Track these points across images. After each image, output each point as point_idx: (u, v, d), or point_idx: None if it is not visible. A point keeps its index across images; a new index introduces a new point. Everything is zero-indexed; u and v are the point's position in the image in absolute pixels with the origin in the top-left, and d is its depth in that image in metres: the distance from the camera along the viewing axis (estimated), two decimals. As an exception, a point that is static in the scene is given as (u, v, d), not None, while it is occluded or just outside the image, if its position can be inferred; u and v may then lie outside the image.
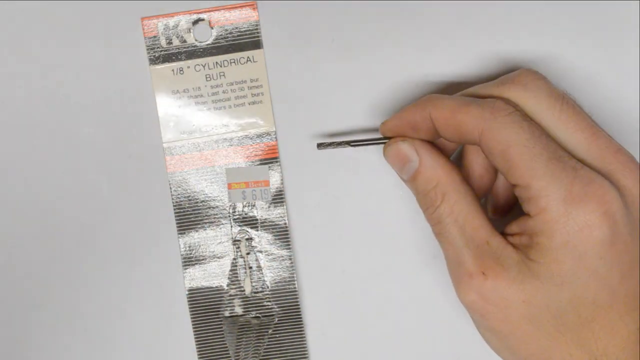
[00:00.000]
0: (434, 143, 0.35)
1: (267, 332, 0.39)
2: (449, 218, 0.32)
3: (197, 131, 0.39)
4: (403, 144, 0.34)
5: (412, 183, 0.34)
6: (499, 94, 0.32)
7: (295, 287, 0.39)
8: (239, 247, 0.39)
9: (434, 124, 0.33)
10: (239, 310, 0.39)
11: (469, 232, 0.32)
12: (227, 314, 0.39)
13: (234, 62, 0.39)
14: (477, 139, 0.31)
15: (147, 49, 0.38)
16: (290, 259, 0.39)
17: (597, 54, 0.38)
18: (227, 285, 0.39)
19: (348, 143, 0.36)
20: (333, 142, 0.36)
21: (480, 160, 0.35)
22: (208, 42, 0.39)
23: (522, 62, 0.38)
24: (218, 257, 0.39)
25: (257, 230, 0.39)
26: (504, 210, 0.36)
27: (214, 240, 0.39)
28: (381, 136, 0.36)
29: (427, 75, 0.38)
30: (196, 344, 0.39)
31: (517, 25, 0.38)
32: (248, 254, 0.39)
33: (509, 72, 0.34)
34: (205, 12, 0.38)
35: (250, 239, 0.39)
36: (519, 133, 0.30)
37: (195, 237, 0.39)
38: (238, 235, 0.39)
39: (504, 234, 0.32)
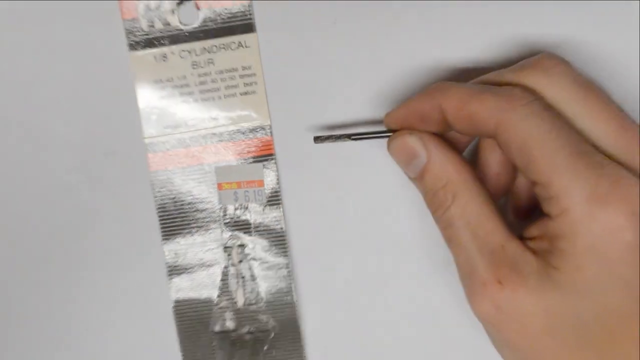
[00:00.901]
0: (444, 137, 0.35)
1: (262, 348, 0.40)
2: (460, 221, 0.33)
3: (182, 125, 0.39)
4: (409, 138, 0.34)
5: (419, 181, 0.34)
6: (517, 81, 0.32)
7: (293, 299, 0.40)
8: (230, 255, 0.40)
9: (444, 115, 0.33)
10: (230, 324, 0.40)
11: (482, 236, 0.32)
12: (217, 328, 0.40)
13: (224, 47, 0.39)
14: (493, 132, 0.31)
15: (126, 33, 0.39)
16: (287, 268, 0.40)
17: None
18: (218, 297, 0.40)
19: (348, 136, 0.36)
20: (332, 136, 0.37)
21: (496, 156, 0.35)
22: (194, 25, 0.39)
23: (543, 46, 0.38)
24: (207, 266, 0.40)
25: (251, 236, 0.40)
26: (526, 213, 0.36)
27: (203, 246, 0.40)
28: (385, 129, 0.36)
29: (437, 60, 0.38)
30: (183, 362, 0.40)
31: (537, 4, 0.38)
32: (240, 262, 0.40)
33: (528, 57, 0.34)
34: (191, -8, 0.39)
35: (242, 246, 0.40)
36: (539, 125, 0.30)
37: (181, 243, 0.40)
38: (229, 242, 0.40)
39: (522, 238, 0.32)
